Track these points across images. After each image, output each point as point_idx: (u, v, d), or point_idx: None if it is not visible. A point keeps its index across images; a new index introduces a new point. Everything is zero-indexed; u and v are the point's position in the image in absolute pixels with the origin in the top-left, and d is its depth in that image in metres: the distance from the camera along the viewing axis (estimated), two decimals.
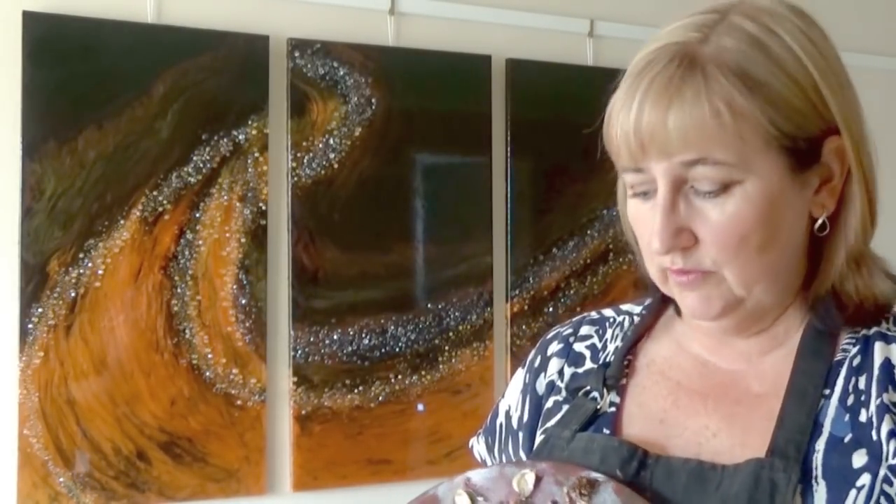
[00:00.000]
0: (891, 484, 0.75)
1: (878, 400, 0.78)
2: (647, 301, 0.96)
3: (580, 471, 0.83)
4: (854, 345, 0.82)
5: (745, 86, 0.77)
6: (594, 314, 1.00)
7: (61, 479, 1.77)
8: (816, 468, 0.77)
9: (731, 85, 0.76)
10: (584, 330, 0.98)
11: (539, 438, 0.92)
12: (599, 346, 0.96)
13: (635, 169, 0.81)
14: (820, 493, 0.76)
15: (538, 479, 0.84)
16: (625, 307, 0.99)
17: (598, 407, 0.89)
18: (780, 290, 0.84)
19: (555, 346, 0.98)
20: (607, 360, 0.93)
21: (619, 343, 0.95)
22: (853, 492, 0.75)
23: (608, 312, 1.00)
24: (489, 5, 2.20)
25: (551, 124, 2.25)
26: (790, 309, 0.86)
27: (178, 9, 1.92)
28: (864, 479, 0.75)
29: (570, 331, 0.99)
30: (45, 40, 1.78)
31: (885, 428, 0.77)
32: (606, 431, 0.87)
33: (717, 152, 0.77)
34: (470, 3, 2.16)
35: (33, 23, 1.78)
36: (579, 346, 0.97)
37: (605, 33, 2.32)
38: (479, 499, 0.86)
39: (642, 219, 0.83)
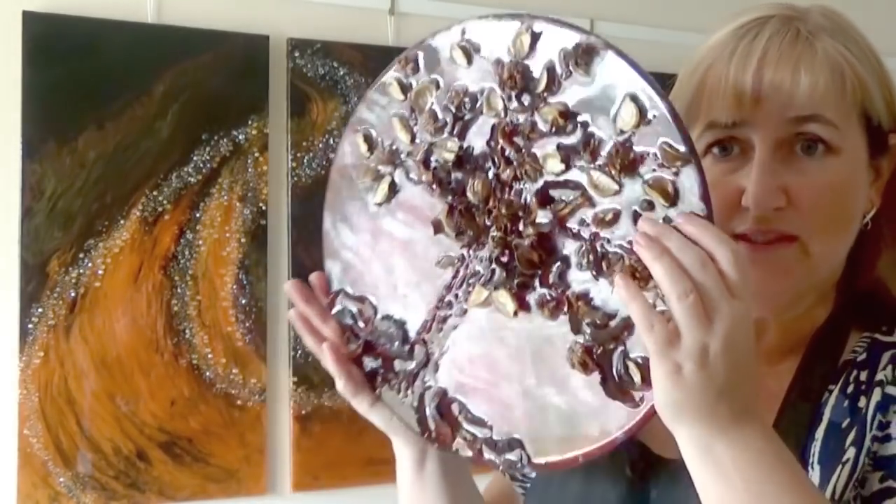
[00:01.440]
0: (871, 454, 0.76)
1: (879, 390, 0.78)
2: None
3: (576, 36, 0.75)
4: (863, 347, 0.82)
5: (857, 59, 0.80)
6: None
7: (61, 479, 1.77)
8: (813, 455, 0.78)
9: (850, 52, 0.80)
10: None
11: None
12: None
13: (731, 124, 0.79)
14: (813, 477, 0.76)
15: (534, 38, 0.76)
16: None
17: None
18: (830, 277, 0.84)
19: None
20: None
21: None
22: (839, 467, 0.76)
23: None
24: (489, 5, 2.19)
25: None
26: (819, 303, 0.85)
27: (178, 9, 1.92)
28: (850, 452, 0.76)
29: None
30: (45, 40, 1.78)
31: (874, 400, 0.77)
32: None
33: (829, 112, 0.78)
34: (470, 3, 2.16)
35: (33, 23, 1.78)
36: None
37: (605, 33, 2.32)
38: (476, 55, 0.79)
39: (717, 179, 0.79)
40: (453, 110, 0.80)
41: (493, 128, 0.77)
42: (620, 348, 0.71)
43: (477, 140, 0.79)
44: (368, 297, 0.85)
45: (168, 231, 1.87)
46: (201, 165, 1.90)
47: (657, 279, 0.66)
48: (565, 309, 0.74)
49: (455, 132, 0.80)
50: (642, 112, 0.70)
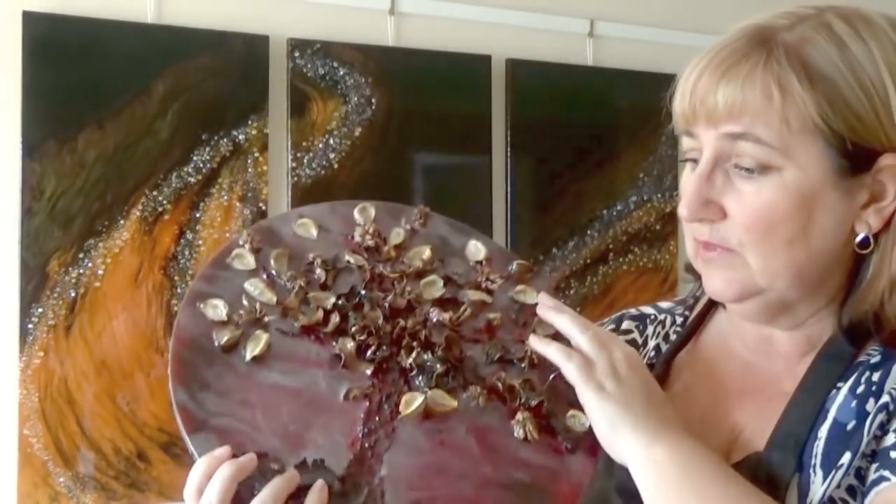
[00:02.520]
0: (864, 458, 0.75)
1: (888, 396, 0.77)
2: (689, 300, 0.97)
3: (412, 208, 0.94)
4: (879, 350, 0.81)
5: (806, 74, 0.77)
6: (633, 311, 1.01)
7: (61, 479, 1.77)
8: (816, 457, 0.77)
9: (791, 69, 0.77)
10: (626, 325, 0.99)
11: None
12: (640, 341, 0.97)
13: (687, 132, 0.83)
14: (816, 483, 0.76)
15: (378, 213, 0.93)
16: (664, 305, 1.00)
17: None
18: (810, 291, 0.83)
19: None
20: (649, 358, 0.94)
21: (660, 341, 0.95)
22: (833, 471, 0.75)
23: (648, 310, 1.00)
24: (489, 5, 2.20)
25: (551, 124, 2.25)
26: (825, 312, 0.84)
27: (178, 9, 1.92)
28: (845, 457, 0.76)
29: (611, 327, 0.99)
30: (45, 40, 1.78)
31: (881, 402, 0.77)
32: None
33: (760, 130, 0.77)
34: (470, 3, 2.16)
35: (33, 23, 1.77)
36: None
37: (605, 33, 2.32)
38: (321, 231, 0.91)
39: (685, 186, 0.84)
40: (320, 268, 0.87)
41: (365, 274, 0.88)
42: (553, 404, 0.84)
43: (356, 285, 0.88)
44: (267, 455, 0.76)
45: (168, 231, 1.87)
46: (201, 165, 1.90)
47: (562, 326, 0.84)
48: (497, 393, 0.83)
49: (326, 283, 0.87)
50: (488, 247, 0.93)
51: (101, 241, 1.82)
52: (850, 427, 0.77)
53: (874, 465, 0.75)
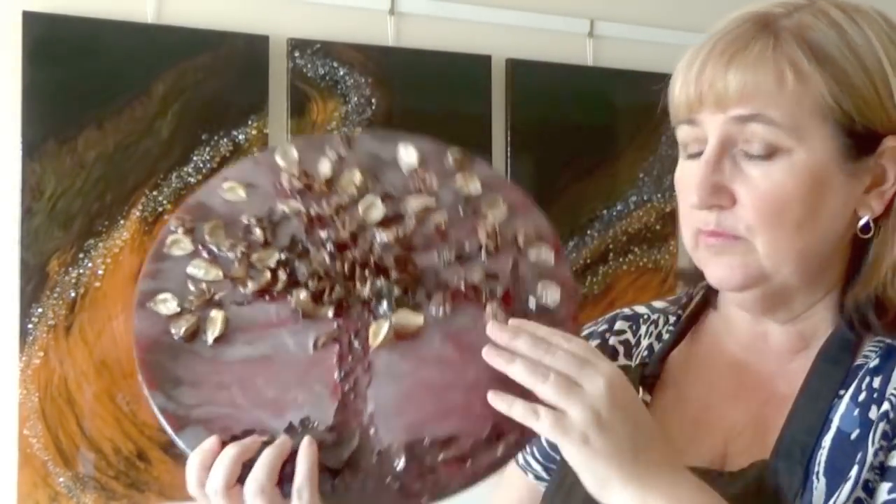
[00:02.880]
0: (872, 470, 0.75)
1: (887, 403, 0.77)
2: (682, 299, 0.96)
3: (332, 136, 0.89)
4: (876, 352, 0.81)
5: (815, 56, 0.78)
6: (627, 310, 1.00)
7: (61, 479, 1.77)
8: (819, 465, 0.77)
9: (801, 50, 0.78)
10: (619, 325, 0.98)
11: None
12: (633, 341, 0.96)
13: (689, 121, 0.81)
14: (819, 490, 0.75)
15: (300, 150, 0.88)
16: (658, 305, 1.00)
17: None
18: (811, 279, 0.83)
19: (592, 344, 0.98)
20: (642, 357, 0.94)
21: (653, 340, 0.95)
22: (842, 484, 0.75)
23: (641, 309, 1.00)
24: (489, 5, 2.19)
25: (551, 124, 2.25)
26: (820, 306, 0.84)
27: (178, 9, 1.92)
28: (853, 471, 0.75)
29: (605, 327, 0.99)
30: (45, 40, 1.78)
31: (882, 410, 0.77)
32: None
33: (771, 111, 0.77)
34: (470, 3, 2.16)
35: (33, 23, 1.77)
36: (613, 341, 0.97)
37: (605, 33, 2.32)
38: (250, 188, 0.87)
39: (686, 178, 0.83)
40: (256, 227, 0.84)
41: (303, 219, 0.84)
42: (521, 286, 0.81)
43: (296, 233, 0.84)
44: (254, 430, 0.76)
45: None
46: (201, 165, 1.90)
47: (518, 377, 0.73)
48: (463, 295, 0.81)
49: (266, 240, 0.84)
50: (419, 148, 0.88)
51: (101, 241, 1.82)
52: (854, 436, 0.77)
53: (886, 485, 0.74)
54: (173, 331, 0.80)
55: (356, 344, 0.79)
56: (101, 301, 1.82)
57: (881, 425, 0.76)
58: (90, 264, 1.82)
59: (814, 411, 0.79)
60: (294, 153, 0.88)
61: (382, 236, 0.83)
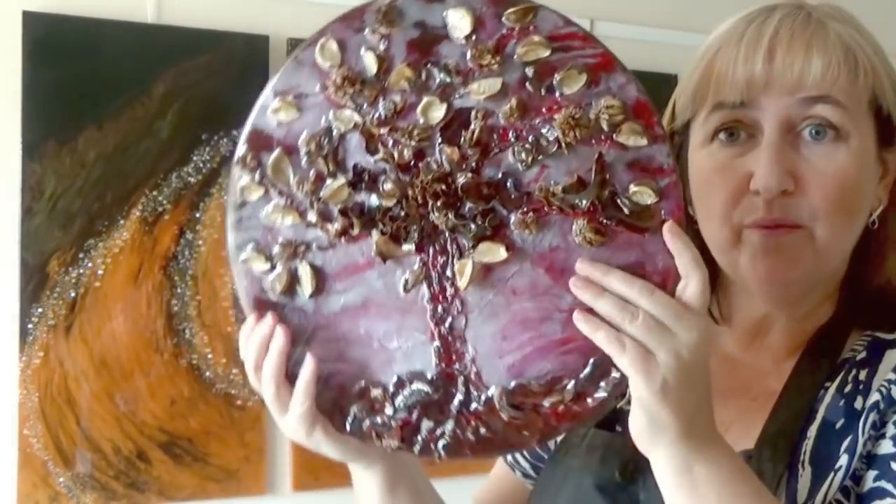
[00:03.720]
0: (861, 460, 0.75)
1: (878, 392, 0.77)
2: None
3: (369, 6, 0.76)
4: (864, 346, 0.82)
5: (873, 48, 0.80)
6: None
7: (61, 479, 1.77)
8: (805, 453, 0.77)
9: (865, 42, 0.80)
10: None
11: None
12: None
13: (742, 104, 0.79)
14: (804, 478, 0.76)
15: (340, 42, 0.78)
16: None
17: (620, 405, 0.88)
18: (833, 274, 0.83)
19: None
20: None
21: None
22: (831, 474, 0.75)
23: None
24: None
25: None
26: (827, 302, 0.85)
27: (178, 9, 1.92)
28: (843, 460, 0.75)
29: None
30: (45, 40, 1.78)
31: (871, 401, 0.77)
32: (619, 429, 0.87)
33: (839, 94, 0.77)
34: None
35: (33, 23, 1.77)
36: None
37: (605, 33, 2.32)
38: (301, 100, 0.78)
39: (722, 164, 0.80)
40: (315, 155, 0.77)
41: (362, 134, 0.76)
42: (610, 189, 0.71)
43: (357, 158, 0.76)
44: (369, 386, 0.77)
45: (168, 231, 1.87)
46: (201, 165, 1.90)
47: (605, 315, 0.68)
48: (545, 209, 0.72)
49: (332, 170, 0.76)
50: (470, 9, 0.73)
51: (101, 241, 1.82)
52: (838, 426, 0.77)
53: (872, 473, 0.75)
54: (269, 289, 0.77)
55: (446, 283, 0.75)
56: (101, 301, 1.82)
57: (871, 416, 0.76)
58: (90, 264, 1.81)
59: (798, 403, 0.80)
60: (333, 47, 0.78)
61: (448, 153, 0.74)
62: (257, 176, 0.78)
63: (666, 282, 0.70)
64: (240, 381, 1.91)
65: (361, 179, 0.76)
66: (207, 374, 1.89)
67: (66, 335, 1.79)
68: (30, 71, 1.77)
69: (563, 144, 0.72)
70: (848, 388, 0.79)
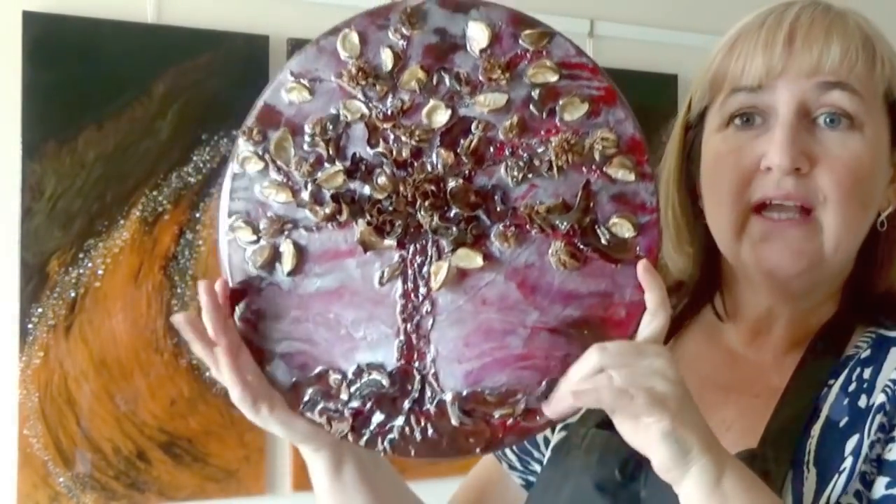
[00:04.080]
0: (869, 462, 0.75)
1: (884, 393, 0.77)
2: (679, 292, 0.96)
3: (397, 6, 0.79)
4: (868, 343, 0.82)
5: (888, 46, 0.81)
6: None
7: (61, 479, 1.77)
8: (809, 453, 0.77)
9: (881, 35, 0.80)
10: None
11: (559, 435, 0.92)
12: None
13: (756, 87, 0.80)
14: (810, 479, 0.76)
15: (361, 35, 0.80)
16: None
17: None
18: (843, 268, 0.84)
19: None
20: None
21: None
22: (835, 476, 0.75)
23: None
24: None
25: None
26: (831, 300, 0.85)
27: (178, 9, 1.92)
28: (847, 462, 0.75)
29: None
30: (45, 40, 1.78)
31: (877, 402, 0.77)
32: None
33: (855, 82, 0.78)
34: None
35: (33, 23, 1.77)
36: None
37: (605, 33, 2.32)
38: (315, 84, 0.80)
39: (736, 146, 0.81)
40: (320, 139, 0.79)
41: (366, 126, 0.78)
42: (591, 217, 0.74)
43: (357, 148, 0.78)
44: (328, 370, 0.78)
45: (168, 231, 1.87)
46: (201, 165, 1.90)
47: (603, 385, 0.69)
48: (527, 225, 0.74)
49: (331, 155, 0.78)
50: (491, 25, 0.76)
51: (101, 241, 1.82)
52: (842, 424, 0.77)
53: (883, 480, 0.75)
54: (250, 261, 0.79)
55: (420, 282, 0.77)
56: (101, 301, 1.82)
57: (878, 417, 0.76)
58: (90, 264, 1.81)
59: (802, 400, 0.80)
60: (355, 40, 0.80)
61: (444, 157, 0.76)
62: (260, 150, 0.80)
63: (630, 314, 0.72)
64: None
65: (358, 169, 0.77)
66: (207, 374, 1.89)
67: (66, 335, 1.79)
68: (30, 71, 1.77)
69: (555, 167, 0.74)
70: (852, 387, 0.79)
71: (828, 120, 0.78)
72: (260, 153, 0.80)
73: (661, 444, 0.67)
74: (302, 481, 1.94)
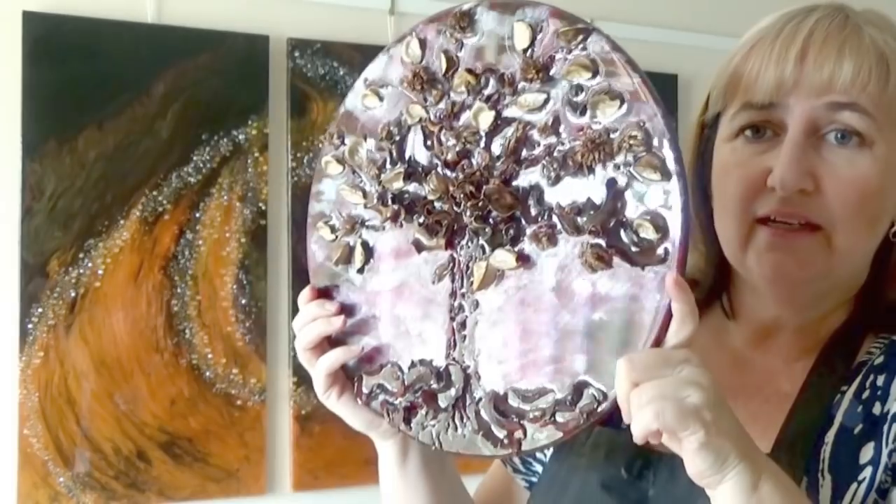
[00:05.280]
0: (886, 472, 0.75)
1: None
2: None
3: (450, 11, 0.81)
4: (881, 349, 0.81)
5: None
6: None
7: (61, 479, 1.77)
8: (824, 461, 0.76)
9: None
10: None
11: None
12: None
13: (770, 104, 0.79)
14: (826, 487, 0.75)
15: (422, 42, 0.83)
16: None
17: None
18: (854, 279, 0.83)
19: None
20: None
21: None
22: (854, 485, 0.75)
23: None
24: None
25: None
26: (841, 310, 0.84)
27: (178, 9, 1.92)
28: (867, 472, 0.75)
29: None
30: (45, 40, 1.78)
31: (893, 411, 0.76)
32: (625, 426, 0.86)
33: (868, 102, 0.77)
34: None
35: (33, 23, 1.77)
36: None
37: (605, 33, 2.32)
38: (383, 90, 0.86)
39: (745, 159, 0.80)
40: (385, 143, 0.83)
41: (423, 129, 0.81)
42: (617, 219, 0.72)
43: (417, 151, 0.82)
44: (388, 362, 0.83)
45: (168, 231, 1.87)
46: (201, 165, 1.90)
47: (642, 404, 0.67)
48: (559, 227, 0.74)
49: (395, 158, 0.83)
50: (532, 25, 0.77)
51: (101, 241, 1.82)
52: (857, 431, 0.77)
53: None
54: (330, 257, 0.86)
55: (465, 282, 0.79)
56: (101, 301, 1.82)
57: (894, 426, 0.75)
58: (90, 264, 1.81)
59: (816, 407, 0.79)
60: (416, 48, 0.83)
61: (485, 157, 0.77)
62: (340, 153, 0.86)
63: (655, 318, 0.70)
64: (240, 381, 1.92)
65: (415, 171, 0.81)
66: (207, 374, 1.89)
67: (66, 335, 1.79)
68: (30, 71, 1.77)
69: (585, 166, 0.73)
70: (866, 394, 0.78)
71: (838, 136, 0.77)
72: (340, 157, 0.86)
73: (696, 455, 0.65)
74: (302, 481, 1.95)
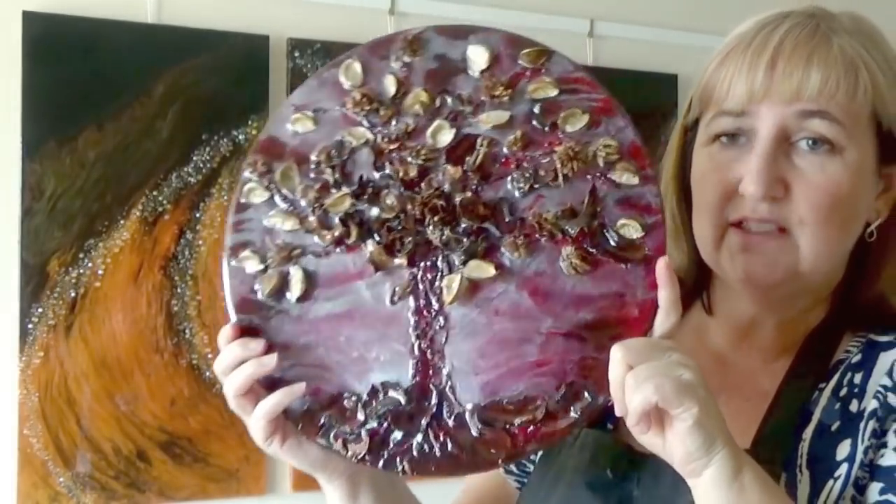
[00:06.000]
0: (863, 468, 0.76)
1: (876, 399, 0.78)
2: None
3: (397, 36, 0.82)
4: (858, 347, 0.82)
5: (879, 64, 0.80)
6: None
7: (61, 479, 1.77)
8: (802, 457, 0.77)
9: (871, 56, 0.80)
10: None
11: None
12: None
13: (742, 112, 0.80)
14: (803, 483, 0.76)
15: (364, 64, 0.82)
16: None
17: (610, 402, 0.89)
18: (825, 281, 0.84)
19: None
20: None
21: None
22: (830, 482, 0.75)
23: None
24: (488, 5, 2.19)
25: None
26: (819, 307, 0.85)
27: (178, 9, 1.92)
28: (843, 468, 0.76)
29: None
30: (45, 40, 1.78)
31: (869, 408, 0.77)
32: (611, 427, 0.87)
33: (837, 110, 0.78)
34: (469, 3, 2.16)
35: (33, 23, 1.77)
36: None
37: (605, 33, 2.32)
38: (318, 114, 0.82)
39: (719, 165, 0.82)
40: (325, 165, 0.81)
41: (372, 150, 0.80)
42: (599, 221, 0.76)
43: (366, 172, 0.80)
44: (342, 393, 0.79)
45: (168, 231, 1.87)
46: (201, 165, 1.90)
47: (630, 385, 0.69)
48: (536, 234, 0.76)
49: (337, 181, 0.80)
50: (489, 47, 0.80)
51: (101, 241, 1.82)
52: (834, 428, 0.78)
53: (877, 485, 0.75)
54: (258, 288, 0.80)
55: (432, 298, 0.78)
56: (101, 301, 1.82)
57: (870, 423, 0.76)
58: (90, 264, 1.82)
59: (794, 404, 0.80)
60: (357, 69, 0.82)
61: (451, 173, 0.78)
62: (265, 181, 0.82)
63: (643, 312, 0.73)
64: None
65: (365, 191, 0.80)
66: (207, 374, 1.89)
67: (66, 335, 1.79)
68: (30, 71, 1.77)
69: (560, 176, 0.77)
70: (843, 392, 0.80)
71: (809, 143, 0.79)
72: (265, 184, 0.82)
73: (688, 434, 0.66)
74: (302, 481, 1.95)
